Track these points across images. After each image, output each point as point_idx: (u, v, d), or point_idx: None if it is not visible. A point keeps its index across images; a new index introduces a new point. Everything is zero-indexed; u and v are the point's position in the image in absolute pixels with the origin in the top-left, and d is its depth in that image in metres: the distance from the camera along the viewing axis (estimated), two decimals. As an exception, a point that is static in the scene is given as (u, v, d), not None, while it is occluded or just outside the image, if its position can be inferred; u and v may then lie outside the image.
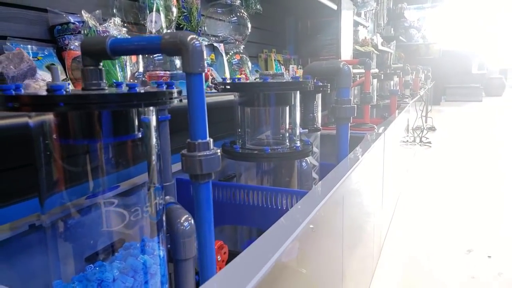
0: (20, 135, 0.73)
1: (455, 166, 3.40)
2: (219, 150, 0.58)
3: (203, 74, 0.55)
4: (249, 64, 2.19)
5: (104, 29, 1.14)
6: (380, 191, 1.63)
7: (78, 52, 1.27)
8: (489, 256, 1.67)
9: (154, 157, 0.65)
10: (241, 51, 2.13)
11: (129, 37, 1.12)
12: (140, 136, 0.62)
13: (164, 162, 0.82)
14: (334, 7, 2.91)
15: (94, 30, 1.14)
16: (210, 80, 1.72)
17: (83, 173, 0.60)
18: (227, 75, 1.90)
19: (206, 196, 0.58)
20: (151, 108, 0.63)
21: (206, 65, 1.76)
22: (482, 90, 10.50)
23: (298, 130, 1.13)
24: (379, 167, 1.56)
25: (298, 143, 1.08)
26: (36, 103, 0.50)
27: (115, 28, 1.21)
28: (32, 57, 1.20)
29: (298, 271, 0.69)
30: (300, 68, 2.84)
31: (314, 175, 1.34)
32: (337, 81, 1.23)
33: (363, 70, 2.08)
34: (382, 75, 2.72)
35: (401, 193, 2.60)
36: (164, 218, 0.67)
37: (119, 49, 0.58)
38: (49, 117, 0.58)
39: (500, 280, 1.51)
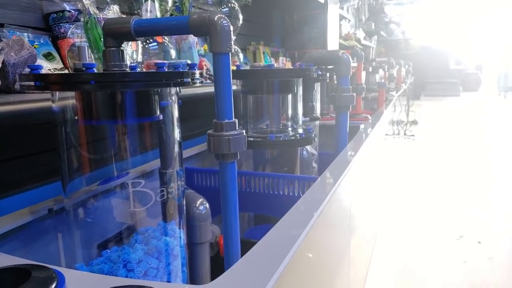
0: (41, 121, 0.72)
1: (439, 157, 3.50)
2: (243, 131, 0.58)
3: (230, 54, 0.55)
4: (241, 55, 2.19)
5: (104, 15, 1.13)
6: (374, 181, 1.67)
7: (76, 40, 1.25)
8: (479, 242, 1.73)
9: (177, 140, 0.65)
10: (233, 42, 2.13)
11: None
12: (161, 118, 0.62)
13: (176, 147, 0.82)
14: (321, 0, 2.94)
15: (94, 18, 1.12)
16: (204, 70, 1.71)
17: (106, 156, 0.59)
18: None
19: (232, 175, 0.58)
20: (173, 90, 0.63)
21: (202, 57, 1.75)
22: (460, 85, 10.77)
23: (300, 118, 1.15)
24: (375, 156, 1.60)
25: (301, 131, 1.09)
26: (67, 81, 0.49)
27: (115, 16, 1.20)
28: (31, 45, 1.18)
29: (314, 258, 0.70)
30: (288, 61, 2.85)
31: (314, 164, 1.36)
32: (336, 70, 1.25)
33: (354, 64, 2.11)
34: (370, 68, 2.76)
35: (389, 185, 2.66)
36: (184, 201, 0.68)
37: (144, 29, 0.57)
38: (72, 101, 0.57)
39: (491, 263, 1.57)
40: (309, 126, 1.17)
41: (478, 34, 14.02)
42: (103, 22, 1.18)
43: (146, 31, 0.58)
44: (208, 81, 1.70)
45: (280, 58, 2.52)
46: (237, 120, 0.58)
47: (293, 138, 1.06)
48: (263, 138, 1.06)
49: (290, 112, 1.14)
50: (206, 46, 1.85)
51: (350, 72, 1.25)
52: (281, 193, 1.00)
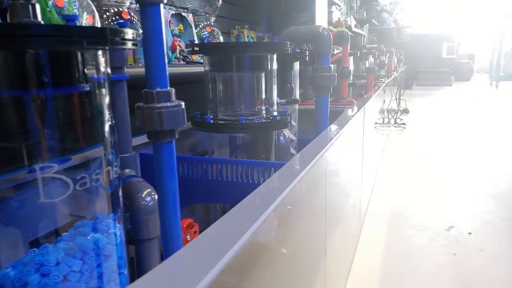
0: None
1: (430, 147, 3.42)
2: (182, 103, 0.47)
3: (161, 5, 0.44)
4: (221, 38, 2.07)
5: (53, -16, 1.00)
6: (360, 167, 1.57)
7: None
8: (469, 233, 1.65)
9: (105, 118, 0.53)
10: (212, 23, 2.00)
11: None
12: (88, 89, 0.51)
13: (122, 130, 0.71)
14: (309, -18, 2.81)
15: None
16: (178, 51, 1.59)
17: (13, 137, 0.48)
18: (198, 48, 1.78)
19: (169, 159, 0.47)
20: (101, 56, 0.51)
21: (172, 36, 1.62)
22: (452, 74, 10.71)
23: (275, 100, 1.04)
24: (359, 142, 1.49)
25: (276, 113, 0.99)
26: None
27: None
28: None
29: (277, 250, 0.60)
30: (274, 46, 2.72)
31: (292, 150, 1.26)
32: (316, 47, 1.14)
33: (339, 48, 2.00)
34: (359, 53, 2.66)
35: (378, 172, 2.57)
36: (120, 191, 0.57)
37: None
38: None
39: (482, 255, 1.48)
40: (286, 109, 1.06)
41: (470, 22, 13.96)
42: None
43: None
44: (182, 62, 1.58)
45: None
46: (173, 90, 0.47)
47: (265, 121, 0.96)
48: (232, 121, 0.95)
49: (263, 93, 1.03)
50: (181, 26, 1.73)
51: (331, 50, 1.14)
52: (256, 181, 0.89)
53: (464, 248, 1.55)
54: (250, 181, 0.90)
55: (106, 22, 1.38)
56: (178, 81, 1.40)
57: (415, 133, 3.97)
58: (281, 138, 1.17)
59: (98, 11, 1.38)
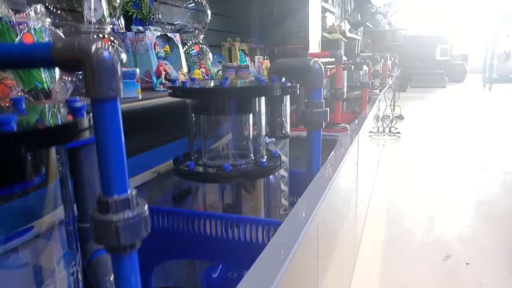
0: None
1: (426, 159, 3.36)
2: (146, 207, 0.40)
3: (118, 99, 0.37)
4: (210, 55, 2.00)
5: (21, 19, 0.92)
6: (354, 196, 1.51)
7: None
8: (467, 263, 1.60)
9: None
10: (201, 41, 1.93)
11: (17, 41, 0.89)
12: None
13: (91, 196, 0.63)
14: (302, -8, 2.75)
15: (6, 21, 0.91)
16: (163, 76, 1.51)
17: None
18: (184, 69, 1.71)
19: (129, 273, 0.40)
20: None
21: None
22: (446, 76, 10.71)
23: (263, 141, 0.97)
24: (353, 173, 1.43)
25: (264, 158, 0.92)
26: None
27: (36, 18, 0.99)
28: None
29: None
30: (266, 58, 2.66)
31: (283, 186, 1.19)
32: (307, 82, 1.07)
33: (333, 59, 1.94)
34: (352, 66, 2.60)
35: (373, 191, 2.51)
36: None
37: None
38: None
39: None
40: (276, 148, 0.99)
41: (464, 22, 13.97)
42: (20, 26, 0.97)
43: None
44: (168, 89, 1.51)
45: (256, 58, 2.33)
46: (134, 192, 0.39)
47: (252, 167, 0.89)
48: (217, 169, 0.88)
49: (251, 133, 0.96)
50: (167, 47, 1.65)
51: (323, 84, 1.07)
52: (242, 239, 0.82)
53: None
54: (237, 238, 0.83)
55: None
56: (162, 111, 1.32)
57: (410, 143, 3.92)
58: (271, 177, 1.10)
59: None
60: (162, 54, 1.59)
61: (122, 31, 1.54)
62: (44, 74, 0.97)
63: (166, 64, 1.57)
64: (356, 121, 1.72)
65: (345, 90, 1.78)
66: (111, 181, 0.38)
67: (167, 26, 1.88)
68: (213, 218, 0.82)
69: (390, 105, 4.12)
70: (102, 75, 0.35)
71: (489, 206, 2.21)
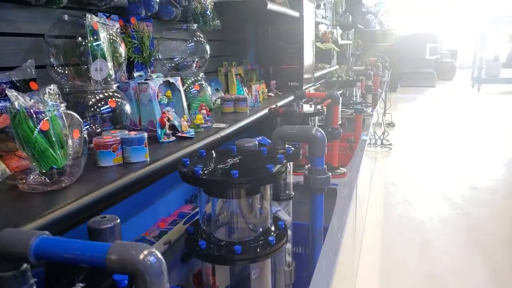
0: None
1: (418, 171, 3.44)
2: None
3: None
4: (209, 90, 2.04)
5: (36, 108, 0.95)
6: (353, 240, 1.57)
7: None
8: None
9: None
10: (199, 77, 1.96)
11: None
12: None
13: None
14: (297, 14, 2.79)
15: (23, 111, 0.94)
16: (167, 126, 1.55)
17: None
18: (186, 111, 1.75)
19: None
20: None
21: (165, 112, 1.58)
22: (435, 75, 10.84)
23: (270, 215, 1.02)
24: (352, 218, 1.49)
25: (272, 234, 0.96)
26: None
27: (51, 99, 1.02)
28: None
29: None
30: (262, 82, 2.70)
31: (288, 245, 1.23)
32: (310, 149, 1.13)
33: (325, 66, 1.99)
34: (347, 93, 2.63)
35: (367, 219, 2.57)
36: None
37: (48, 254, 0.43)
38: None
39: None
40: (282, 221, 1.04)
41: (453, 18, 14.10)
42: (38, 115, 0.99)
43: (50, 255, 0.43)
44: (172, 138, 1.54)
45: (254, 87, 2.37)
46: None
47: (260, 246, 0.93)
48: (228, 251, 0.91)
49: (258, 211, 1.00)
50: (169, 92, 1.69)
51: (325, 152, 1.12)
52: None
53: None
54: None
55: (92, 109, 1.33)
56: (168, 168, 1.36)
57: (402, 155, 4.01)
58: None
59: (84, 98, 1.33)
60: (165, 100, 1.62)
61: (125, 80, 1.57)
62: (58, 154, 1.01)
63: (168, 111, 1.60)
64: (353, 160, 1.77)
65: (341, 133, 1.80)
66: None
67: (167, 64, 1.90)
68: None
69: (382, 115, 4.19)
70: (152, 280, 0.40)
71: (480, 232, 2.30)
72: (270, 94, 2.69)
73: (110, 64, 1.32)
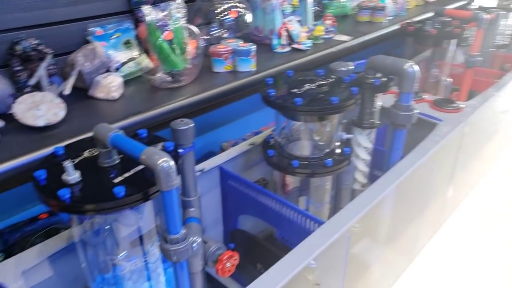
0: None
1: None
2: (194, 239, 0.68)
3: (175, 189, 0.62)
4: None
5: (163, 22, 1.19)
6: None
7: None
8: None
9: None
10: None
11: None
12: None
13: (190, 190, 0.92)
14: None
15: (153, 23, 1.19)
16: (283, 37, 1.64)
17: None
18: (310, 21, 1.79)
19: (181, 278, 0.71)
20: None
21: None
22: None
23: (333, 142, 1.11)
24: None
25: (332, 158, 1.07)
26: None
27: (176, 11, 1.24)
28: (112, 36, 1.34)
29: None
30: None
31: (364, 167, 1.30)
32: (399, 83, 1.12)
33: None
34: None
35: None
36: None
37: (116, 145, 0.67)
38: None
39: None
40: (347, 148, 1.12)
41: None
42: (164, 27, 1.23)
43: (118, 146, 0.67)
44: (287, 49, 1.65)
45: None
46: (184, 231, 0.67)
47: (317, 167, 1.06)
48: (287, 162, 1.07)
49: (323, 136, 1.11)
50: (296, 1, 1.73)
51: (413, 88, 1.10)
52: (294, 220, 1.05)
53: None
54: (290, 218, 1.05)
55: (217, 18, 1.53)
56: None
57: None
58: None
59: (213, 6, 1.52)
60: (289, 9, 1.69)
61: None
62: (178, 60, 1.27)
63: (290, 21, 1.68)
64: (483, 95, 1.56)
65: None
66: (169, 227, 0.66)
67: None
68: (277, 200, 1.06)
69: None
70: (163, 178, 0.61)
71: None
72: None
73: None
